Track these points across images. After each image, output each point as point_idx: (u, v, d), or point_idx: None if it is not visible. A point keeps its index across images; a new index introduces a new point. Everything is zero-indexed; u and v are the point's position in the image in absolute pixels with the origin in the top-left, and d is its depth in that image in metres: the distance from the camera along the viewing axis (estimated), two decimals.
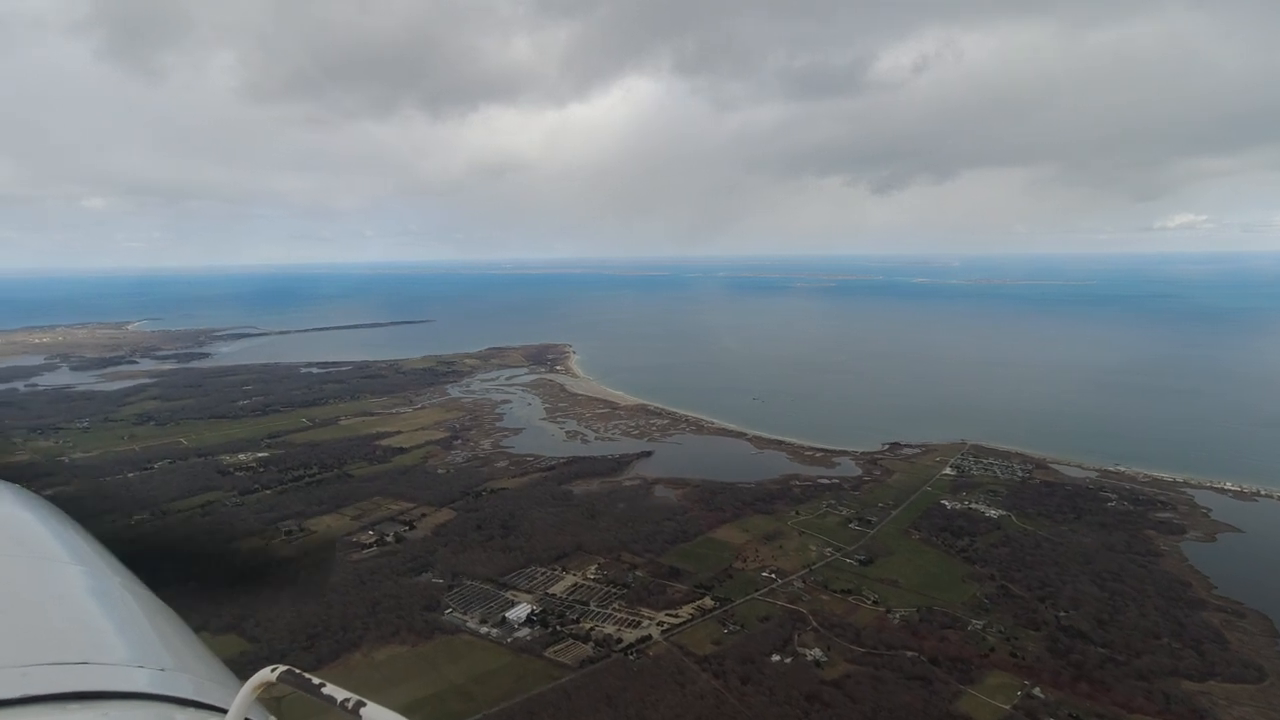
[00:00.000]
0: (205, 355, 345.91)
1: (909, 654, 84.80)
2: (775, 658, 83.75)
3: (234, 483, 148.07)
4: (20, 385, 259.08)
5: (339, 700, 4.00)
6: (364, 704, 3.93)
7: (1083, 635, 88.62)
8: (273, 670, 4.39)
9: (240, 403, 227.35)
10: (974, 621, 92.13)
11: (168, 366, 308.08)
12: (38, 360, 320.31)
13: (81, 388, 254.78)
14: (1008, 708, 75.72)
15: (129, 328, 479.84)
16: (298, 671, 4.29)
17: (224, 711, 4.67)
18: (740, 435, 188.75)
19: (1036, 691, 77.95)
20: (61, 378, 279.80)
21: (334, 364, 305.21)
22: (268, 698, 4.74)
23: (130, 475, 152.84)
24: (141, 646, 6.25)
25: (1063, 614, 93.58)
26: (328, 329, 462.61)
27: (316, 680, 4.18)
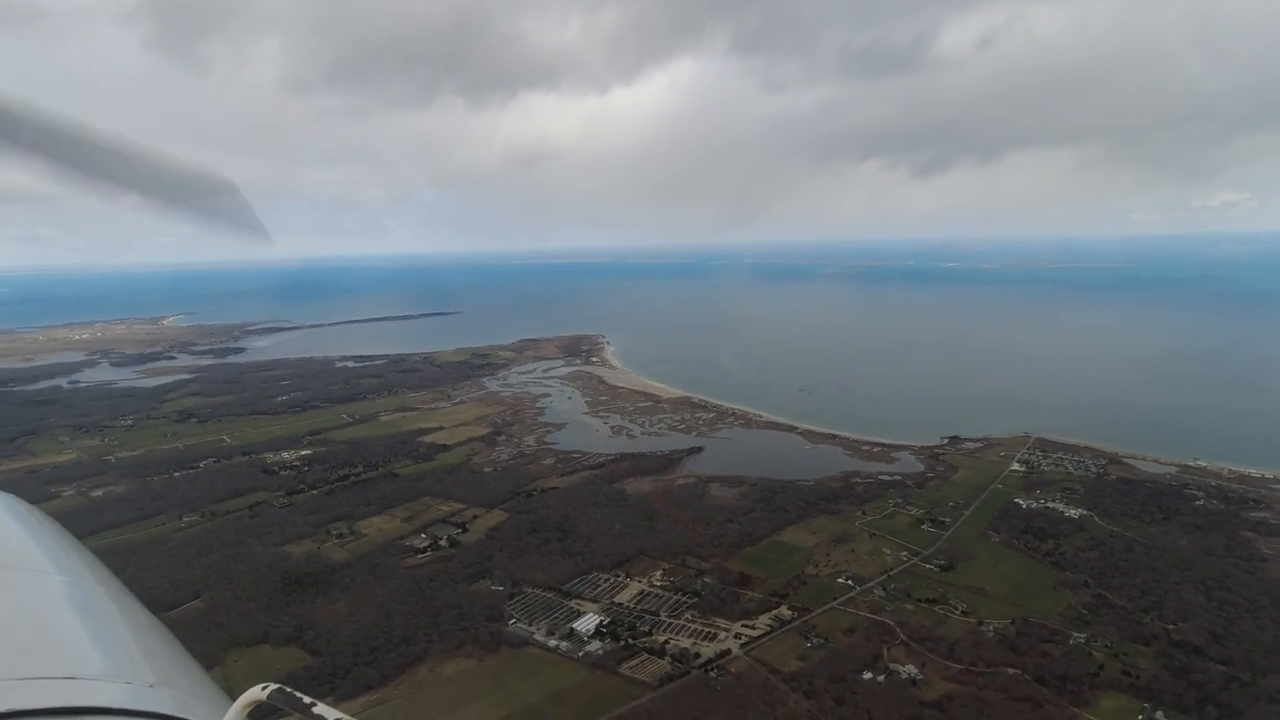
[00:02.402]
0: (241, 350, 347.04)
1: (1010, 671, 78.78)
2: (867, 675, 78.25)
3: (280, 482, 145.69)
4: (63, 382, 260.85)
5: None
6: None
7: (1198, 651, 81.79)
8: (263, 688, 4.34)
9: (279, 399, 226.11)
10: (1075, 635, 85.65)
11: (205, 362, 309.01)
12: (79, 357, 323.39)
13: (123, 384, 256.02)
14: None
15: (164, 322, 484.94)
16: (289, 690, 4.22)
17: None
18: (791, 429, 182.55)
19: (1159, 716, 71.60)
20: (102, 374, 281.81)
21: (368, 357, 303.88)
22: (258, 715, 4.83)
23: (176, 475, 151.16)
24: (129, 662, 6.21)
25: (1172, 627, 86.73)
26: (358, 321, 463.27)
27: (307, 700, 4.12)
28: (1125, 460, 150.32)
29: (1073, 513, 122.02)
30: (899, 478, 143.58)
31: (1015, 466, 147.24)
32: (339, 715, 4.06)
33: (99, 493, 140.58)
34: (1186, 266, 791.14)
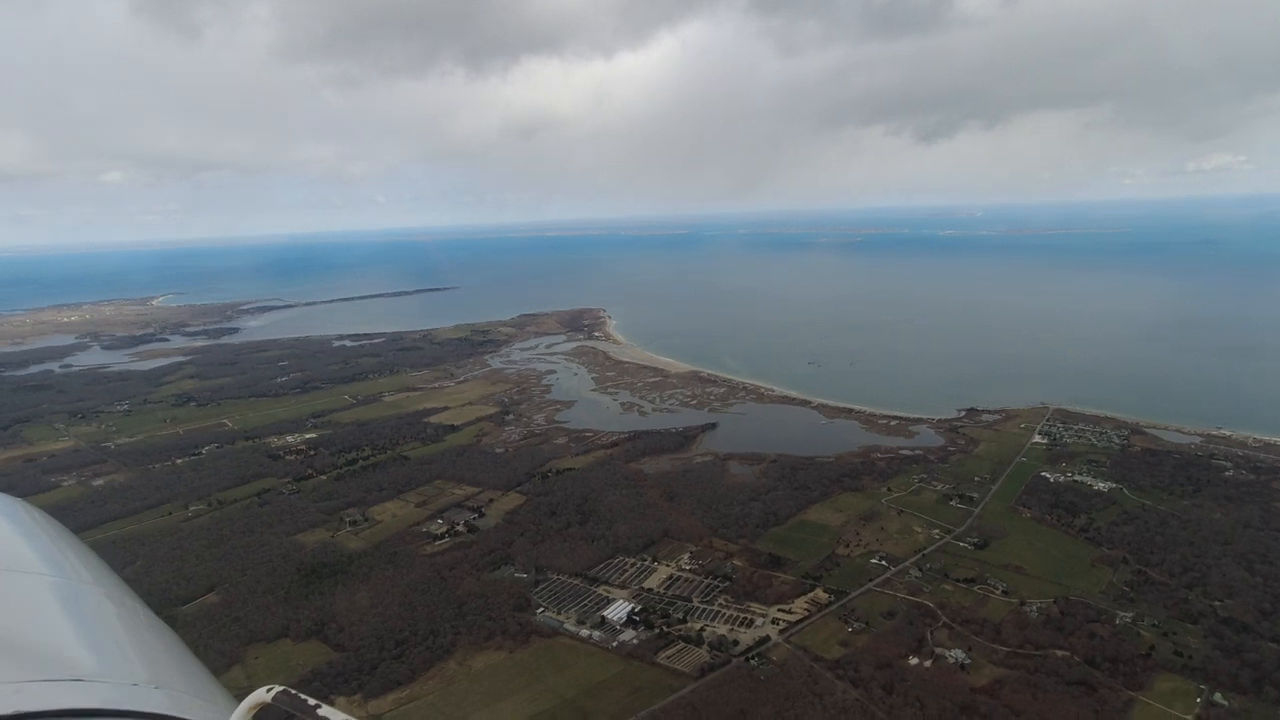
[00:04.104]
0: (235, 330, 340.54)
1: (1059, 654, 76.60)
2: (914, 661, 75.90)
3: (286, 468, 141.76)
4: (55, 366, 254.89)
5: None
6: None
7: (1248, 629, 79.78)
8: (268, 690, 4.39)
9: (279, 380, 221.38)
10: (1121, 614, 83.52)
11: (199, 343, 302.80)
12: (69, 340, 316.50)
13: (116, 367, 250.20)
14: (1190, 718, 67.49)
15: (154, 303, 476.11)
16: (293, 692, 4.28)
17: None
18: (804, 403, 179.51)
19: (1218, 698, 69.53)
20: (94, 357, 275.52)
21: (366, 336, 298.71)
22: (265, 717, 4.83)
23: (178, 462, 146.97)
24: (136, 664, 6.23)
25: (1218, 604, 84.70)
26: (353, 299, 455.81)
27: (312, 701, 4.17)
28: (1147, 430, 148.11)
29: (1101, 486, 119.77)
30: (920, 452, 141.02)
31: (1037, 438, 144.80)
32: (345, 717, 3.97)
33: (100, 482, 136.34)
34: (1182, 230, 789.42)
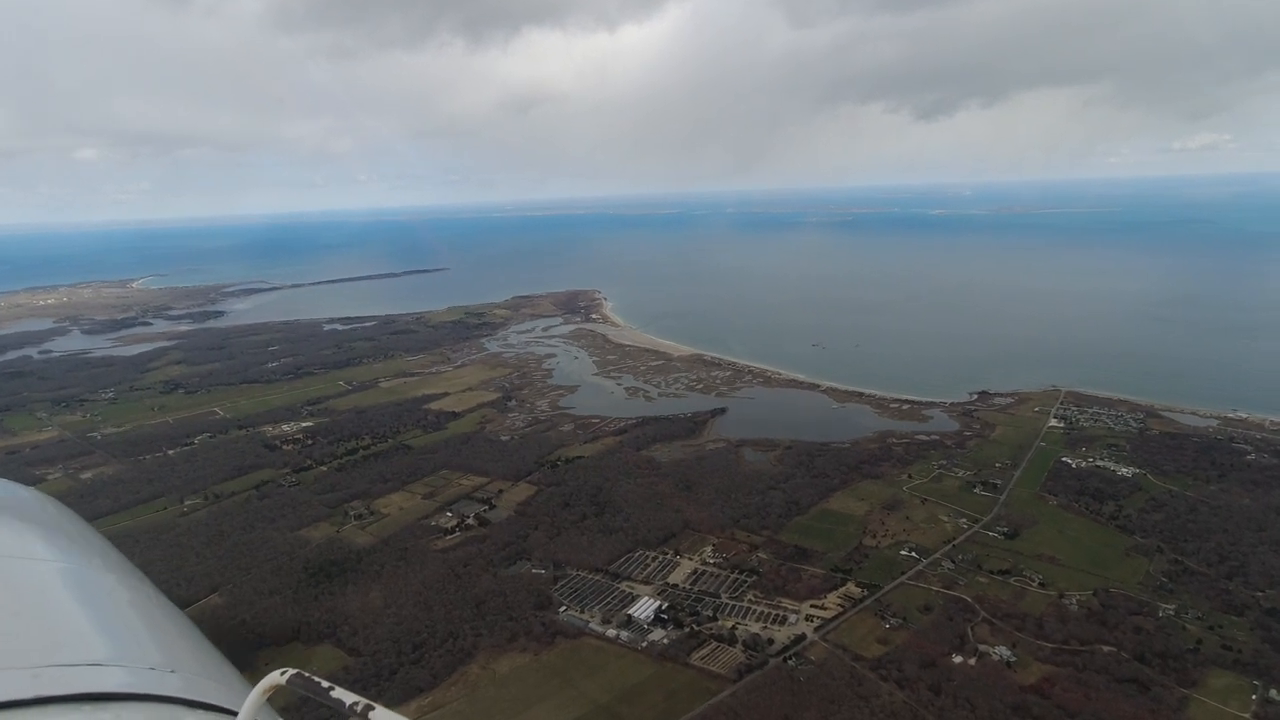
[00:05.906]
0: (220, 313, 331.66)
1: (1106, 649, 74.13)
2: (958, 659, 73.11)
3: (284, 458, 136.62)
4: (33, 352, 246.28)
5: (348, 704, 4.03)
6: (373, 708, 3.96)
7: None
8: (282, 673, 4.42)
9: (269, 365, 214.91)
10: (1163, 606, 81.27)
11: (184, 327, 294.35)
12: (46, 324, 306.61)
13: (98, 353, 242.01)
14: (1248, 716, 65.25)
15: (134, 285, 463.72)
16: (307, 675, 4.32)
17: (234, 714, 4.83)
18: (813, 387, 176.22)
19: (1274, 694, 67.35)
20: (75, 342, 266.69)
21: (357, 319, 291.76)
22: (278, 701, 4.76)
23: (170, 452, 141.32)
24: (152, 648, 6.29)
25: (1260, 594, 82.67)
26: (340, 281, 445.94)
27: (325, 684, 4.21)
28: (1163, 413, 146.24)
29: (1125, 471, 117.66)
30: (936, 437, 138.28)
31: (1053, 422, 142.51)
32: (356, 698, 4.02)
33: (88, 474, 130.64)
34: (1170, 209, 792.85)
